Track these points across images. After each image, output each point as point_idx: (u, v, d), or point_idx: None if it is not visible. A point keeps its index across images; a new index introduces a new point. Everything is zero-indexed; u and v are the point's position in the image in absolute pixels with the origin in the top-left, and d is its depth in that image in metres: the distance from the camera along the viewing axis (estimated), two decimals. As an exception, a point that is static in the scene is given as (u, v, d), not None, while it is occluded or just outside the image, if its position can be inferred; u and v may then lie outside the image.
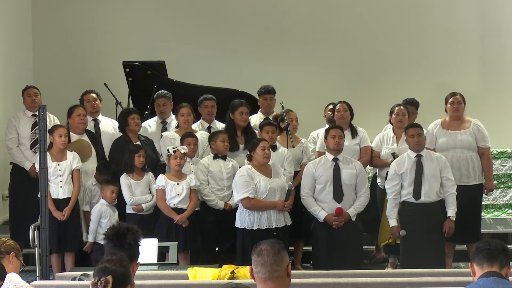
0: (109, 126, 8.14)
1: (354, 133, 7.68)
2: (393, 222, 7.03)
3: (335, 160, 7.06)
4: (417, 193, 6.95)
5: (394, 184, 7.04)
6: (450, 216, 6.94)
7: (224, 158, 7.36)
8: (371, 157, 7.76)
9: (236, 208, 7.14)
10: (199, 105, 7.99)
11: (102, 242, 7.08)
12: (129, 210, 7.31)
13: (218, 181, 7.30)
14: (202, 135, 7.71)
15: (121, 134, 7.79)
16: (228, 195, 7.30)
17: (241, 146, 7.63)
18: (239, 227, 6.96)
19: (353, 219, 7.02)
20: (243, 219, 6.92)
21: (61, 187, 7.21)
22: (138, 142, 7.58)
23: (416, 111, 8.14)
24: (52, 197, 7.16)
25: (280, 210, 6.90)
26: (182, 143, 7.30)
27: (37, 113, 7.87)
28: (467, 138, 7.51)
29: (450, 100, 7.60)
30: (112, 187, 7.25)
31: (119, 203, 7.44)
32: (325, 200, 7.01)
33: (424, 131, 7.36)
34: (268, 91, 8.17)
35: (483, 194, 7.76)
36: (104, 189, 7.27)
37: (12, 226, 8.18)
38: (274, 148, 7.31)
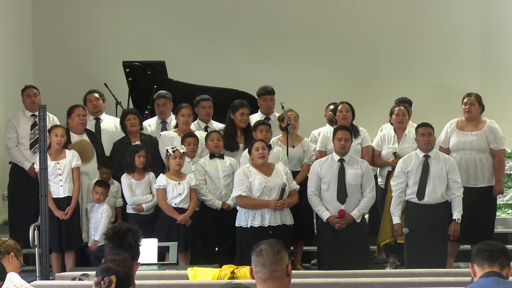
0: (110, 125, 8.15)
1: (355, 133, 7.67)
2: (396, 219, 7.01)
3: (341, 161, 7.05)
4: (421, 193, 6.92)
5: (400, 182, 7.02)
6: (455, 219, 6.91)
7: (221, 157, 7.38)
8: (372, 157, 7.75)
9: (234, 208, 7.17)
10: (195, 106, 7.99)
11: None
12: (129, 210, 7.32)
13: (215, 180, 7.32)
14: (200, 135, 7.72)
15: (123, 134, 7.83)
16: (226, 195, 7.32)
17: (241, 145, 7.64)
18: (237, 226, 7.01)
19: (358, 220, 7.01)
20: (240, 217, 6.99)
21: (61, 186, 7.21)
22: (138, 142, 7.58)
23: (410, 109, 8.11)
24: (53, 197, 7.17)
25: (273, 209, 6.90)
26: (182, 143, 7.31)
27: (36, 113, 7.91)
28: (477, 139, 7.45)
29: (464, 100, 7.54)
30: (99, 188, 7.27)
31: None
32: (330, 200, 7.01)
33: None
34: (267, 92, 8.18)
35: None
36: (93, 189, 7.30)
37: (11, 226, 8.17)
38: (269, 147, 7.32)
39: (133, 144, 7.56)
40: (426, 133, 6.98)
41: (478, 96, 7.57)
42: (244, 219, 6.95)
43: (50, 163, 7.12)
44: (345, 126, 7.29)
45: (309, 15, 10.88)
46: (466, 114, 7.53)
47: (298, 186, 7.19)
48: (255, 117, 8.11)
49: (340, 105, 7.76)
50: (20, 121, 8.05)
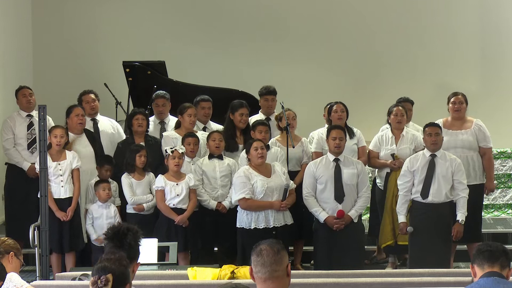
0: (107, 126, 8.12)
1: (351, 133, 7.67)
2: (401, 218, 7.01)
3: (336, 160, 7.05)
4: (425, 192, 6.93)
5: (406, 181, 7.02)
6: (459, 220, 6.91)
7: (220, 157, 7.37)
8: (369, 158, 7.75)
9: (232, 208, 7.19)
10: (195, 106, 7.97)
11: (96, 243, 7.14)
12: (130, 209, 7.32)
13: (211, 180, 7.32)
14: (202, 135, 7.72)
15: (124, 134, 7.83)
16: (222, 195, 7.31)
17: (241, 146, 7.64)
18: (238, 227, 7.01)
19: (355, 220, 7.01)
20: (242, 219, 6.98)
21: (62, 186, 7.21)
22: (142, 143, 7.58)
23: (412, 108, 8.12)
24: (54, 197, 7.16)
25: (277, 209, 6.91)
26: (182, 143, 7.32)
27: (32, 113, 7.96)
28: (468, 138, 7.51)
29: (452, 100, 7.60)
30: (104, 184, 7.26)
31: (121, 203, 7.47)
32: (327, 200, 7.00)
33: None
34: (269, 92, 8.17)
35: (484, 194, 7.75)
36: (97, 189, 7.28)
37: (8, 226, 8.15)
38: (267, 147, 7.31)
39: (136, 143, 7.54)
40: (433, 133, 6.98)
41: (464, 95, 7.63)
42: (247, 220, 6.93)
43: (51, 164, 7.12)
44: (339, 126, 7.29)
45: (309, 15, 10.88)
46: (455, 113, 7.58)
47: (295, 185, 7.19)
48: (256, 118, 8.07)
49: (335, 105, 7.75)
50: (16, 122, 8.04)
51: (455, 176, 6.95)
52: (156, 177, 7.27)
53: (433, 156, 6.99)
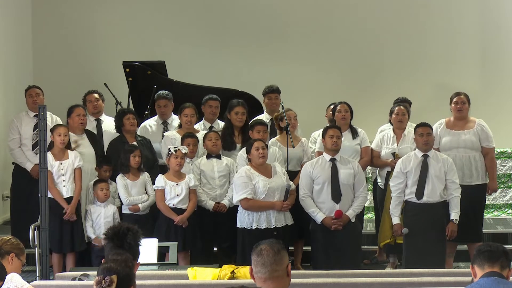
0: (111, 126, 8.12)
1: (354, 134, 7.68)
2: (396, 220, 7.02)
3: (333, 160, 7.05)
4: (420, 193, 6.93)
5: (399, 182, 7.02)
6: (453, 219, 6.92)
7: (218, 157, 7.37)
8: (371, 157, 7.76)
9: (231, 208, 7.20)
10: (203, 104, 7.99)
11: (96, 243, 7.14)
12: (125, 210, 7.31)
13: (209, 180, 7.32)
14: (203, 135, 7.71)
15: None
16: (220, 195, 7.32)
17: (238, 145, 7.65)
18: (239, 227, 7.00)
19: (353, 220, 7.01)
20: (243, 219, 6.96)
21: (64, 186, 7.21)
22: (134, 142, 7.57)
23: (409, 108, 8.12)
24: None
25: (279, 210, 6.91)
26: (182, 143, 7.31)
27: (40, 113, 7.95)
28: (471, 138, 7.50)
29: (454, 100, 7.59)
30: (101, 184, 7.25)
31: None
32: (324, 200, 6.99)
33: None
34: (272, 91, 8.19)
35: (486, 194, 7.75)
36: (95, 190, 7.27)
37: (13, 226, 8.18)
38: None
39: (130, 144, 7.54)
40: (424, 133, 7.00)
41: (466, 95, 7.63)
42: (248, 220, 6.92)
43: (54, 164, 7.13)
44: (335, 125, 7.30)
45: (310, 15, 10.88)
46: (457, 113, 7.57)
47: (294, 186, 7.18)
48: (261, 118, 8.00)
49: (339, 105, 7.75)
50: (23, 121, 8.06)
51: (447, 176, 6.97)
52: (151, 177, 7.28)
53: (425, 156, 7.00)
